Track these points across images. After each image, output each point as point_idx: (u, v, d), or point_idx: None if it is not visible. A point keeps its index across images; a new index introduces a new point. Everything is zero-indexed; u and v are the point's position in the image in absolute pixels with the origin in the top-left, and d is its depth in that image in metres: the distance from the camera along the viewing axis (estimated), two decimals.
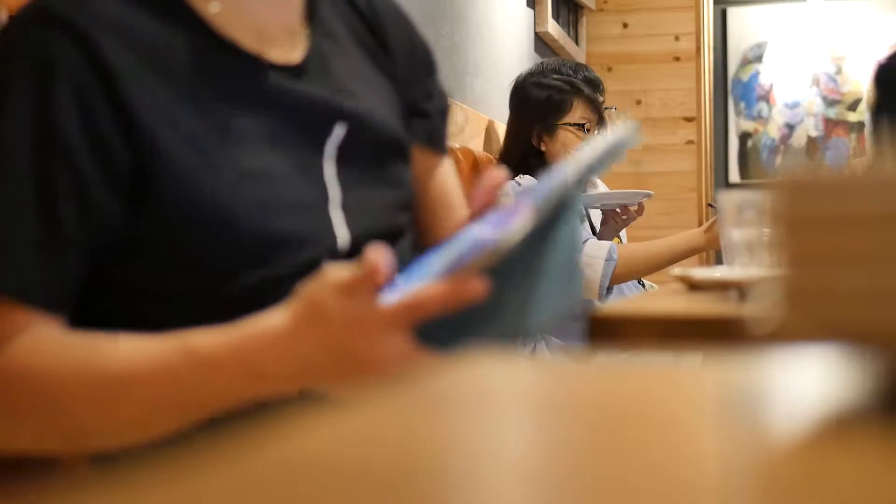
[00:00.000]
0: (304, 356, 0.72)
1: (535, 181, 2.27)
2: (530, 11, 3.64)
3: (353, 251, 0.86)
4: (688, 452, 0.28)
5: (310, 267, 0.79)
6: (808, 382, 0.38)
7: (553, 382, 0.41)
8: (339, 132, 0.91)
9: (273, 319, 0.74)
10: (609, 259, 2.17)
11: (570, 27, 4.27)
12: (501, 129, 2.69)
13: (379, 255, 0.69)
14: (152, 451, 0.77)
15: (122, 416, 0.77)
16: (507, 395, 0.38)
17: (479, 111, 2.78)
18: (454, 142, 2.37)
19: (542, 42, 3.80)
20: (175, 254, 0.83)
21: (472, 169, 2.38)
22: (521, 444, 0.30)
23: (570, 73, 2.37)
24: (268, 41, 0.91)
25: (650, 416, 0.33)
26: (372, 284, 0.70)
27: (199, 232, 0.82)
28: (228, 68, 0.88)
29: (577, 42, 4.32)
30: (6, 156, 0.79)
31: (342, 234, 0.88)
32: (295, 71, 0.92)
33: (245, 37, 0.90)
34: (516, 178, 2.30)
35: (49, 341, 0.78)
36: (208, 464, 0.25)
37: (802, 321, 0.31)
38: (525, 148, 2.38)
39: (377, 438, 0.30)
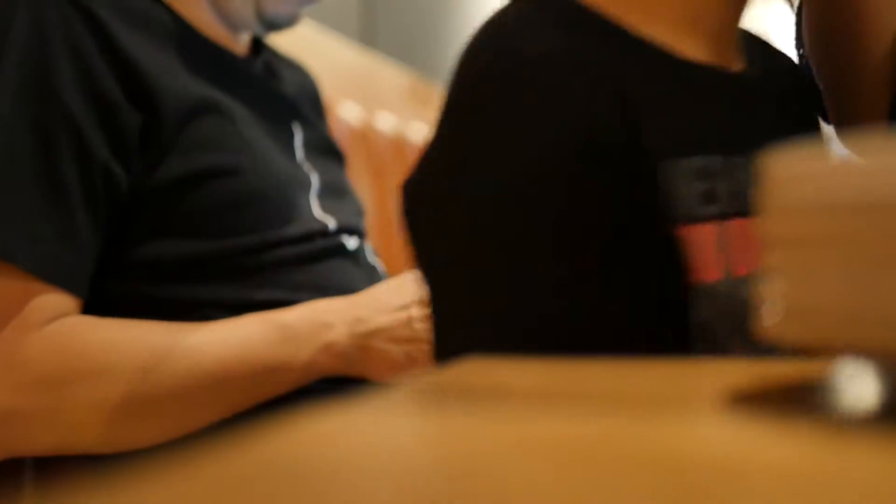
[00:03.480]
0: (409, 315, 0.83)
1: None
2: None
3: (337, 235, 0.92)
4: (689, 452, 0.28)
5: (307, 238, 0.85)
6: (808, 382, 0.38)
7: (555, 380, 0.41)
8: (297, 133, 0.96)
9: None
10: None
11: None
12: None
13: None
14: (151, 450, 0.77)
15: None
16: (508, 394, 0.39)
17: None
18: None
19: None
20: (180, 216, 0.83)
21: None
22: (522, 443, 0.30)
23: None
24: (231, 35, 0.94)
25: (653, 414, 0.33)
26: None
27: (204, 188, 0.83)
28: (207, 51, 0.91)
29: None
30: (7, 129, 0.77)
31: (328, 220, 0.92)
32: (260, 64, 0.97)
33: (211, 28, 0.92)
34: None
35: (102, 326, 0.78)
36: (206, 464, 0.26)
37: (792, 308, 0.31)
38: None
39: (377, 438, 0.30)
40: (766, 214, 0.33)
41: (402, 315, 0.83)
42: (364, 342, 0.81)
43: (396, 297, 0.84)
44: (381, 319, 0.83)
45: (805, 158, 0.31)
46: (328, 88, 1.19)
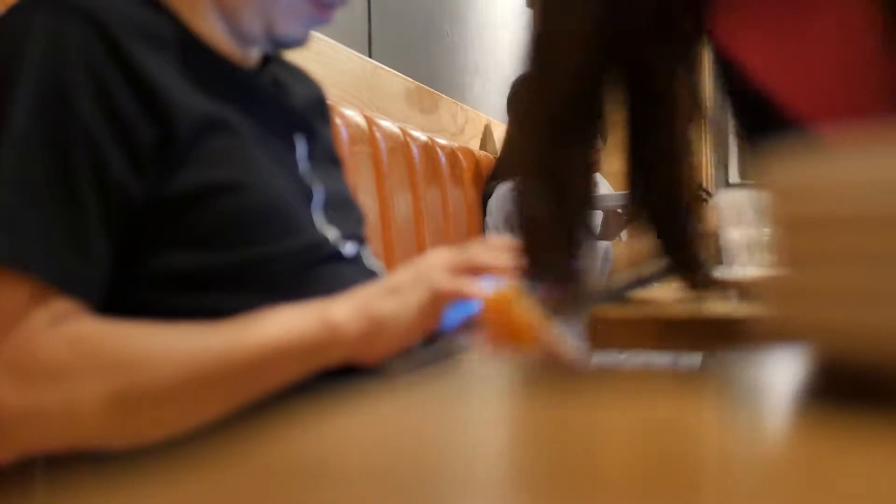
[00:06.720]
0: (395, 279, 0.84)
1: None
2: (530, 12, 3.64)
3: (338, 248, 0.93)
4: (687, 452, 0.28)
5: (308, 250, 0.85)
6: (805, 382, 0.38)
7: (553, 383, 0.41)
8: (301, 145, 0.97)
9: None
10: (605, 261, 2.17)
11: None
12: (499, 129, 2.69)
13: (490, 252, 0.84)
14: (152, 450, 0.77)
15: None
16: (507, 396, 0.38)
17: (479, 111, 2.78)
18: (454, 141, 2.37)
19: None
20: (186, 229, 0.83)
21: (473, 168, 2.38)
22: (522, 444, 0.30)
23: None
24: (238, 45, 0.95)
25: (649, 416, 0.33)
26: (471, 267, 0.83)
27: (210, 203, 0.83)
28: (217, 65, 0.92)
29: None
30: (24, 143, 0.78)
31: (330, 230, 0.93)
32: (268, 76, 0.98)
33: (221, 42, 0.93)
34: None
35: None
36: (208, 464, 0.25)
37: (799, 321, 0.31)
38: None
39: (377, 439, 0.30)
40: (772, 195, 0.32)
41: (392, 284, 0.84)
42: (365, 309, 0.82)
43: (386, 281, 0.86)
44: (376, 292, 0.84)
45: (810, 169, 0.31)
46: (333, 94, 1.19)
